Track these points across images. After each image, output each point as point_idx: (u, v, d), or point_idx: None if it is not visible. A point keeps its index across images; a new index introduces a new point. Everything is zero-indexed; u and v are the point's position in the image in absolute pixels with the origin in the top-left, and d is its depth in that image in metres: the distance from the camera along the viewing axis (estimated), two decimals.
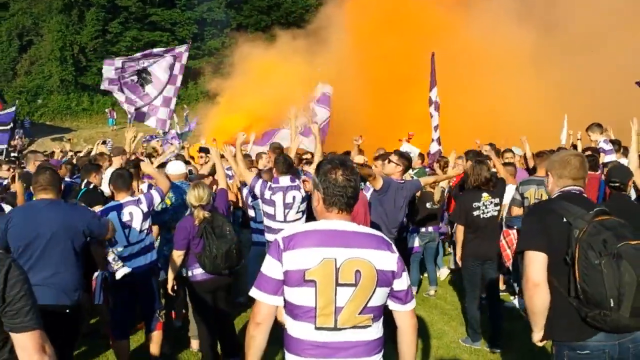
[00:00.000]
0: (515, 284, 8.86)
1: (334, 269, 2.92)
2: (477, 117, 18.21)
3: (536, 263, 3.56)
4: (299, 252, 2.93)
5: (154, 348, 6.22)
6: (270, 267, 2.98)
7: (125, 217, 6.05)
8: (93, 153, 11.96)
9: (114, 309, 6.21)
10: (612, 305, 3.30)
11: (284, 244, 2.97)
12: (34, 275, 4.57)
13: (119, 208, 6.06)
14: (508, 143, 11.64)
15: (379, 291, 3.00)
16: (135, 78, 15.07)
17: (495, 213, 7.20)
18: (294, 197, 7.20)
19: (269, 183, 7.23)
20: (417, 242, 9.36)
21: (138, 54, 15.85)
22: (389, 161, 7.28)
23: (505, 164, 9.05)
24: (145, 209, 6.15)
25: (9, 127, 24.54)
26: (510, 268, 8.79)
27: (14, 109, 26.31)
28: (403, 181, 7.09)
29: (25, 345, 2.62)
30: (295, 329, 2.98)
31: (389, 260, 3.03)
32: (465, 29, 20.65)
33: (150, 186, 7.16)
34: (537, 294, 3.57)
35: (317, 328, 2.92)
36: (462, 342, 7.33)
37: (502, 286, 8.97)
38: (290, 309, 2.98)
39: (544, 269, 3.56)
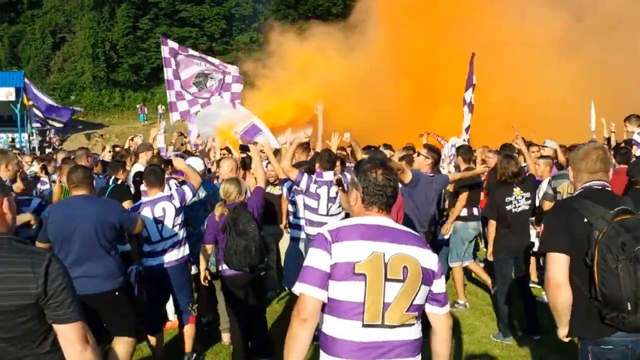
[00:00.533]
0: None
1: (382, 263, 2.85)
2: (508, 108, 17.84)
3: (558, 264, 3.56)
4: (348, 245, 2.85)
5: (188, 342, 6.30)
6: (318, 259, 2.86)
7: (158, 213, 6.14)
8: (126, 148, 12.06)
9: (147, 302, 6.32)
10: (629, 308, 3.30)
11: (331, 236, 2.88)
12: (77, 267, 4.97)
13: (152, 204, 6.16)
14: (539, 135, 11.38)
15: (423, 289, 2.95)
16: (196, 79, 15.82)
17: (527, 207, 7.17)
18: (337, 192, 7.22)
19: (314, 177, 7.25)
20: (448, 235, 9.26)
21: (197, 53, 16.63)
22: (419, 154, 7.28)
23: (542, 157, 8.96)
24: (178, 205, 6.23)
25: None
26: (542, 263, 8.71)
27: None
28: (432, 175, 7.06)
29: (69, 336, 2.71)
30: (337, 328, 2.86)
31: (432, 259, 3.00)
32: (495, 14, 20.13)
33: (183, 182, 7.23)
34: (559, 294, 3.57)
35: (364, 325, 2.82)
36: (493, 337, 7.29)
37: (536, 279, 8.93)
38: (334, 306, 2.86)
39: (566, 270, 3.55)
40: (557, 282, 3.56)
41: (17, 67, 46.87)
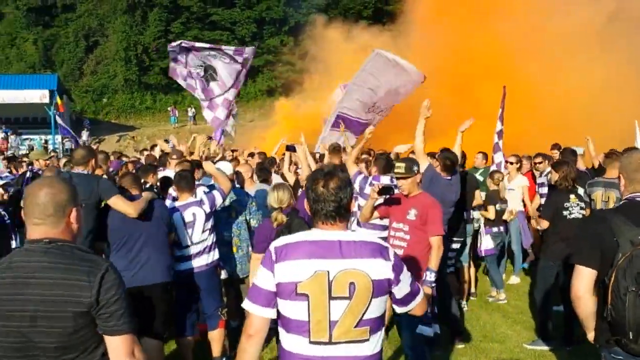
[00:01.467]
0: None
1: (326, 281, 2.81)
2: (543, 111, 17.37)
3: (583, 278, 3.56)
4: (290, 264, 2.83)
5: (216, 346, 6.30)
6: (262, 279, 2.89)
7: (189, 218, 6.16)
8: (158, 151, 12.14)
9: (176, 307, 6.32)
10: (630, 337, 3.34)
11: (275, 254, 2.88)
12: (141, 257, 5.65)
13: (183, 208, 6.19)
14: (576, 139, 11.05)
15: (375, 302, 2.87)
16: (201, 72, 15.21)
17: (580, 216, 7.09)
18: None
19: (369, 179, 7.19)
20: (490, 244, 9.19)
21: (206, 45, 15.96)
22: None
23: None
24: (208, 210, 6.24)
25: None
26: None
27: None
28: (450, 178, 6.93)
29: (116, 348, 2.71)
30: (288, 342, 2.90)
31: (384, 268, 2.89)
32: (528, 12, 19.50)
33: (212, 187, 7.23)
34: (580, 305, 3.62)
35: (311, 342, 2.83)
36: (527, 346, 7.17)
37: None
38: (284, 321, 2.90)
39: (590, 284, 3.56)
40: (578, 294, 3.59)
41: (50, 70, 47.65)
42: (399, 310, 3.10)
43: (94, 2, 51.56)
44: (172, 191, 7.05)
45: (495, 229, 9.09)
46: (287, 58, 48.06)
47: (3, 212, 6.49)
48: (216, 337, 6.31)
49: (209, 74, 15.23)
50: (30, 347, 2.64)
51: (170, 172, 8.61)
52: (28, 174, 8.94)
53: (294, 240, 2.93)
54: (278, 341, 3.02)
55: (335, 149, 9.39)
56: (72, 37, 50.88)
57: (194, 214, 6.18)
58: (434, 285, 5.75)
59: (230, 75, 15.26)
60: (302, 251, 2.86)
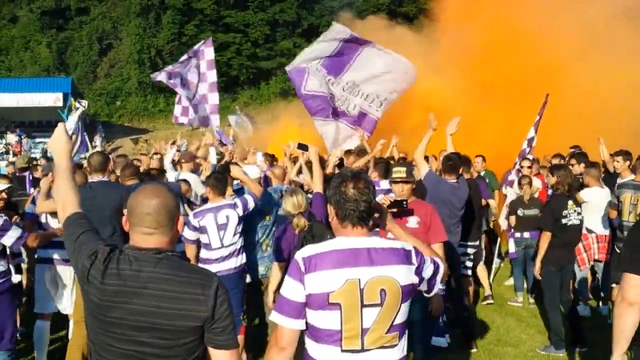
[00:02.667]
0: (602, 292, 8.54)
1: (358, 290, 2.82)
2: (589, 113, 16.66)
3: (634, 287, 3.43)
4: (321, 275, 2.83)
5: None
6: (291, 290, 2.88)
7: (222, 220, 6.21)
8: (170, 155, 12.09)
9: None
10: None
11: (304, 265, 2.86)
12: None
13: (216, 210, 6.24)
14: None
15: (403, 307, 2.92)
16: (180, 87, 15.73)
17: (577, 222, 7.12)
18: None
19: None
20: (513, 248, 9.22)
21: (184, 58, 16.57)
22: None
23: (588, 166, 8.68)
24: (241, 213, 6.29)
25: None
26: (585, 274, 8.47)
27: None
28: (456, 181, 6.82)
29: None
30: (318, 352, 2.88)
31: (411, 273, 2.94)
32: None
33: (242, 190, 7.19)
34: (629, 313, 3.44)
35: (343, 351, 2.83)
36: (540, 351, 7.10)
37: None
38: (314, 332, 2.88)
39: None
40: (630, 300, 3.43)
41: (64, 73, 47.88)
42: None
43: (108, 5, 51.79)
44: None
45: (518, 235, 9.12)
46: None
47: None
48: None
49: (182, 84, 15.82)
50: (134, 356, 2.63)
51: (184, 175, 8.62)
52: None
53: (322, 250, 2.91)
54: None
55: (346, 152, 9.36)
56: (85, 40, 51.10)
57: (228, 217, 6.22)
58: (443, 293, 5.67)
59: (193, 72, 15.86)
60: (332, 261, 2.86)
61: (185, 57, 16.53)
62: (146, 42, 50.42)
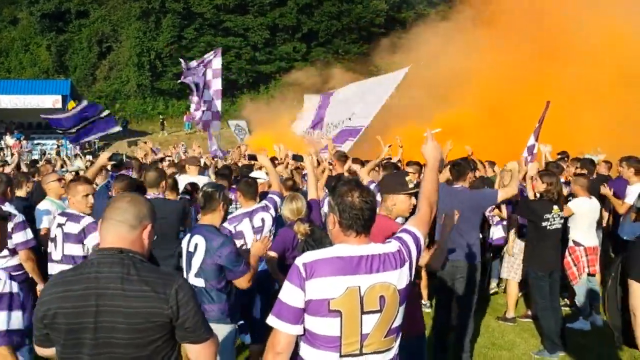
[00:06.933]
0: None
1: (358, 297, 2.84)
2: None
3: None
4: (322, 281, 2.83)
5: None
6: (291, 295, 2.86)
7: (257, 223, 6.13)
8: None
9: (254, 310, 6.23)
10: None
11: (305, 271, 2.85)
12: None
13: (251, 215, 6.15)
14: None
15: (401, 309, 2.97)
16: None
17: (559, 226, 7.20)
18: None
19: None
20: (501, 233, 9.08)
21: (193, 63, 17.51)
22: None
23: (577, 175, 8.64)
24: (274, 214, 6.23)
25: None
26: (581, 287, 8.31)
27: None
28: (460, 187, 6.81)
29: (202, 355, 2.83)
30: (315, 357, 2.89)
31: (406, 274, 2.98)
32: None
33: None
34: None
35: (341, 356, 2.86)
36: (534, 354, 7.09)
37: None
38: (311, 337, 2.88)
39: None
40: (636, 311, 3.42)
41: (64, 76, 47.92)
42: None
43: (108, 8, 51.88)
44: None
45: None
46: (300, 65, 48.08)
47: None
48: (256, 350, 6.14)
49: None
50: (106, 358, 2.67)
51: (189, 177, 8.65)
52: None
53: (323, 257, 2.91)
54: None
55: (342, 157, 9.36)
56: (85, 42, 51.17)
57: (263, 219, 6.17)
58: None
59: (200, 79, 16.60)
60: (333, 268, 2.86)
61: (194, 63, 17.20)
62: (146, 45, 50.51)
